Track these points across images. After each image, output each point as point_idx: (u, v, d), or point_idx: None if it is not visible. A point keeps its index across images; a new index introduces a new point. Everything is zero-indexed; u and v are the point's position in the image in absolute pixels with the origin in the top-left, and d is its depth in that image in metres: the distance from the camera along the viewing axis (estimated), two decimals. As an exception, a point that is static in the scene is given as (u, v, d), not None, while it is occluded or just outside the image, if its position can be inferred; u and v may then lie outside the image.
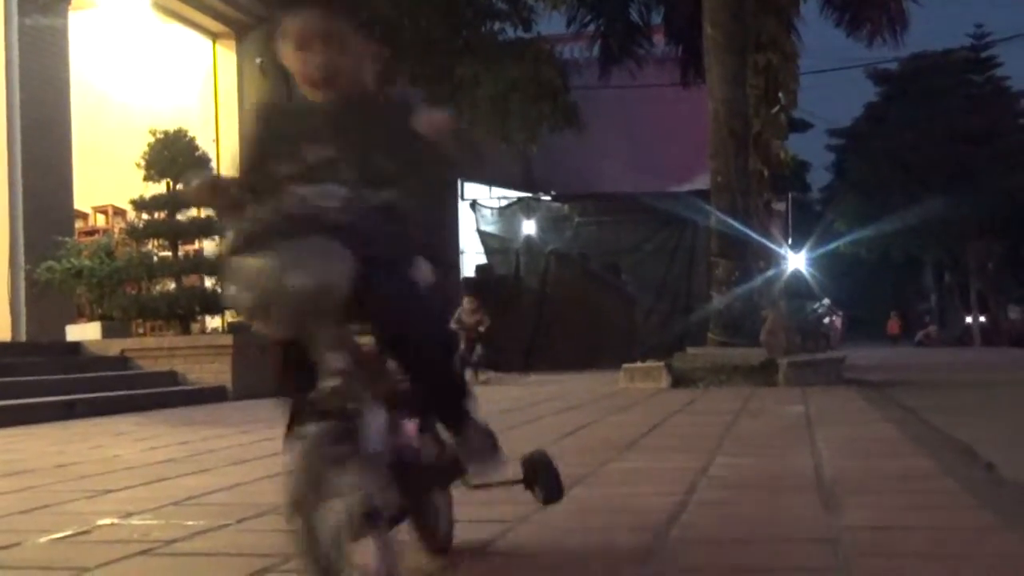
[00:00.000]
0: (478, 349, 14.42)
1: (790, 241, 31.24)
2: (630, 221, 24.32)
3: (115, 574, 2.68)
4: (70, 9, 13.40)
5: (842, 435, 5.72)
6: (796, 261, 33.90)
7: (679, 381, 10.94)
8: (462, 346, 13.65)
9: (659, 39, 20.50)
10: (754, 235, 12.99)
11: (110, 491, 4.21)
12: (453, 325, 13.30)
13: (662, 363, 11.32)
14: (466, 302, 14.62)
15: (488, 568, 2.70)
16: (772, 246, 16.08)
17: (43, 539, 3.16)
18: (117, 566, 2.76)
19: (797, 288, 30.63)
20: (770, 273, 14.69)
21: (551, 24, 19.18)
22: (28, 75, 12.35)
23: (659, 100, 24.60)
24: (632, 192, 24.53)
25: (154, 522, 3.46)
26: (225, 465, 5.08)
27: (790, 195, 31.69)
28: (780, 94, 16.93)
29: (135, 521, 3.48)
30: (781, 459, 4.72)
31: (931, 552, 2.72)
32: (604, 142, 23.59)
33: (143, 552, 2.92)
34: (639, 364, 11.57)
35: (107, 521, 3.46)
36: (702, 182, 21.72)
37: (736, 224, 12.35)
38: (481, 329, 14.51)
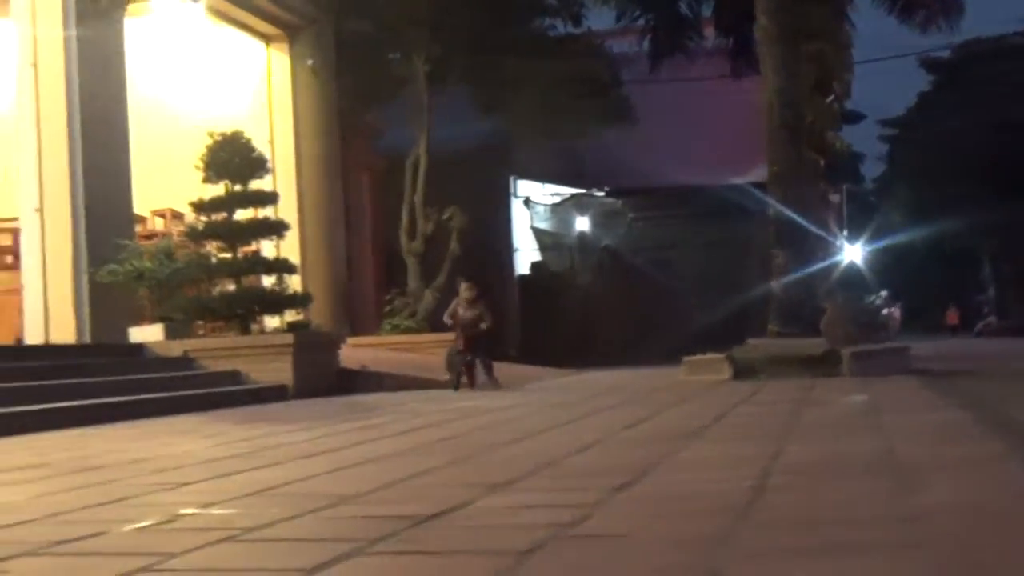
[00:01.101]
0: (480, 353, 11.75)
1: (845, 233, 31.02)
2: (684, 215, 24.25)
3: (202, 559, 2.71)
4: (125, 16, 13.56)
5: (911, 421, 5.68)
6: (851, 252, 33.63)
7: (740, 373, 10.90)
8: (459, 345, 11.67)
9: (709, 32, 20.39)
10: (811, 225, 12.92)
11: (186, 484, 4.27)
12: (447, 319, 11.90)
13: (723, 355, 11.28)
14: (463, 289, 11.89)
15: (574, 549, 2.71)
16: (829, 237, 15.98)
17: (127, 528, 3.20)
18: (203, 552, 2.79)
19: (853, 279, 30.40)
20: (827, 263, 14.59)
21: (601, 19, 19.15)
22: (86, 82, 12.51)
23: (710, 93, 24.47)
24: (685, 185, 24.45)
25: (233, 512, 3.50)
26: (294, 459, 5.12)
27: (844, 187, 31.47)
28: (834, 84, 16.82)
29: (215, 511, 3.52)
30: (852, 444, 4.69)
31: (1008, 529, 2.69)
32: (656, 136, 23.48)
33: (227, 539, 2.95)
34: (699, 356, 11.54)
35: (188, 511, 3.51)
36: (755, 174, 21.63)
37: (793, 214, 12.28)
38: (484, 326, 11.67)
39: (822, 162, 16.08)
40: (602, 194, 25.65)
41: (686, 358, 11.64)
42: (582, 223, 24.61)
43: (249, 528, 3.11)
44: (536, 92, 17.48)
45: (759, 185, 18.89)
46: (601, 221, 24.74)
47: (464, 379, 11.59)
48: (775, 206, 12.47)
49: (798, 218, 12.37)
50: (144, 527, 3.21)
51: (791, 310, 12.34)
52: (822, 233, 14.45)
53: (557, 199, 25.43)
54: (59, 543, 2.98)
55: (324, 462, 4.94)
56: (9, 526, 3.30)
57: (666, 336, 19.92)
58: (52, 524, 3.35)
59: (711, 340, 13.82)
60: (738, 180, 23.80)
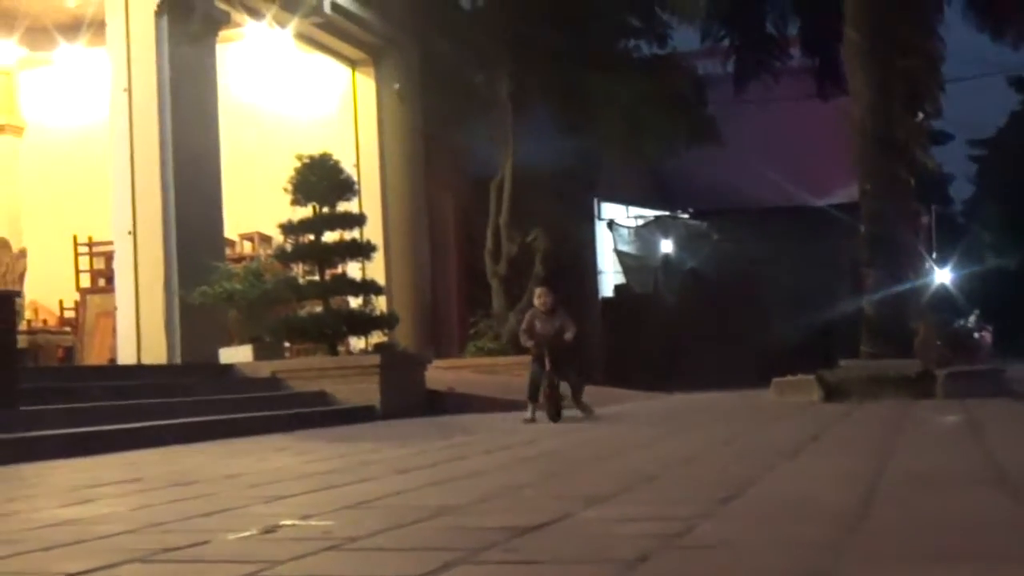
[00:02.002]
0: (569, 373, 9.37)
1: (934, 254, 30.50)
2: (770, 236, 23.99)
3: (306, 567, 2.70)
4: (217, 42, 13.77)
5: (1015, 437, 5.53)
6: (941, 274, 33.06)
7: (831, 394, 10.72)
8: (545, 364, 9.19)
9: (795, 51, 20.21)
10: (902, 245, 12.70)
11: (283, 497, 4.27)
12: (523, 337, 9.55)
13: (813, 376, 11.11)
14: (537, 297, 9.71)
15: (683, 557, 2.65)
16: (919, 257, 15.70)
17: (230, 537, 3.20)
18: (307, 560, 2.78)
19: (943, 301, 29.86)
20: (919, 283, 14.32)
21: (686, 40, 19.09)
22: (179, 107, 12.70)
23: (796, 113, 24.25)
24: (771, 206, 24.22)
25: (333, 523, 3.49)
26: (388, 475, 5.11)
27: (933, 208, 30.96)
28: (924, 102, 16.54)
29: (315, 522, 3.51)
30: (958, 459, 4.57)
31: None
32: (742, 157, 23.30)
33: (329, 548, 2.94)
34: (789, 377, 11.38)
35: (288, 522, 3.50)
36: (842, 195, 21.35)
37: (885, 234, 12.07)
38: (568, 336, 9.34)
39: (912, 181, 15.79)
40: (687, 216, 25.51)
41: (776, 379, 11.48)
42: (667, 245, 24.49)
43: (352, 538, 3.09)
44: (621, 113, 17.42)
45: (846, 205, 18.63)
46: (686, 243, 24.59)
47: (542, 408, 9.21)
48: (867, 224, 12.27)
49: (890, 237, 12.17)
50: (247, 537, 3.21)
51: (882, 330, 12.12)
52: (913, 253, 14.17)
53: (641, 221, 25.33)
54: (166, 551, 2.99)
55: (420, 476, 4.92)
56: (115, 535, 3.32)
57: (753, 358, 19.70)
58: (156, 533, 3.36)
59: (799, 361, 13.64)
60: (825, 200, 23.52)
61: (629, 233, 25.07)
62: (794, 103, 23.04)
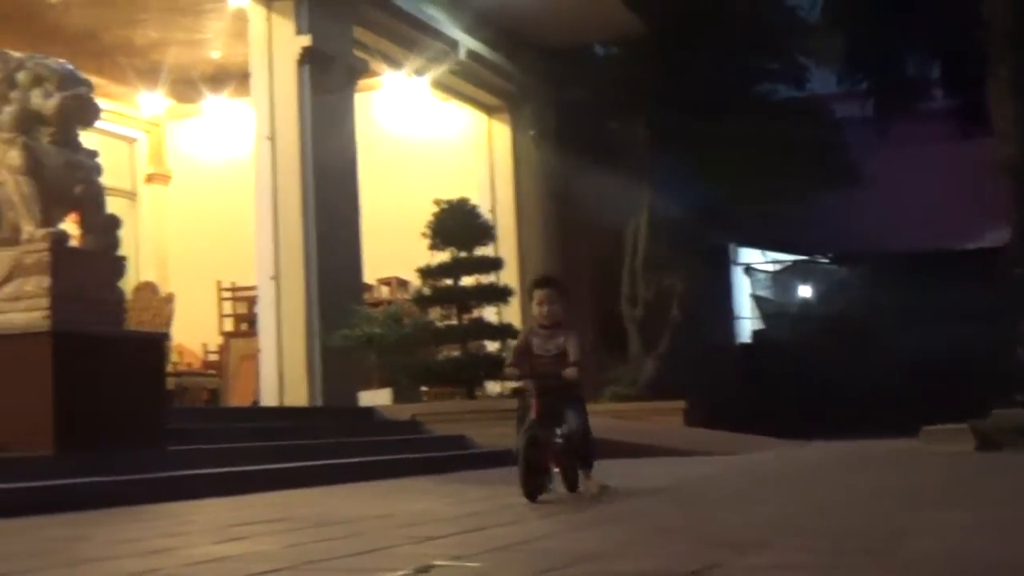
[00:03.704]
0: (569, 422, 5.94)
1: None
2: (909, 281, 23.39)
3: (464, 607, 2.66)
4: (357, 90, 14.03)
5: None
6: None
7: (985, 443, 10.35)
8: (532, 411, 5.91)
9: (937, 92, 19.79)
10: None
11: (433, 538, 4.25)
12: (508, 366, 6.52)
13: (965, 425, 10.74)
14: (537, 301, 6.25)
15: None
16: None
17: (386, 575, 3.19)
18: (464, 600, 2.74)
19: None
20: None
21: (825, 83, 18.84)
22: (320, 154, 12.95)
23: (939, 155, 23.70)
24: (914, 251, 23.64)
25: (483, 565, 3.46)
26: (532, 518, 5.07)
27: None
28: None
29: (468, 563, 3.48)
30: None
31: None
32: (882, 201, 22.82)
33: (485, 589, 2.90)
34: (939, 426, 11.03)
35: (441, 562, 3.48)
36: (985, 239, 20.73)
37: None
38: (568, 372, 5.98)
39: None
40: (825, 261, 25.06)
41: (925, 428, 11.14)
42: (805, 290, 24.09)
43: (506, 579, 3.05)
44: (758, 157, 17.25)
45: (988, 250, 18.08)
46: (825, 288, 24.14)
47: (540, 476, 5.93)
48: (1020, 270, 11.88)
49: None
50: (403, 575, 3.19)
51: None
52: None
53: (779, 266, 24.98)
54: (321, 588, 2.98)
55: (564, 521, 4.87)
56: (271, 572, 3.33)
57: (897, 406, 19.16)
58: (311, 571, 3.36)
59: (947, 410, 13.23)
60: (966, 244, 22.90)
61: (766, 278, 24.72)
62: (934, 145, 22.54)
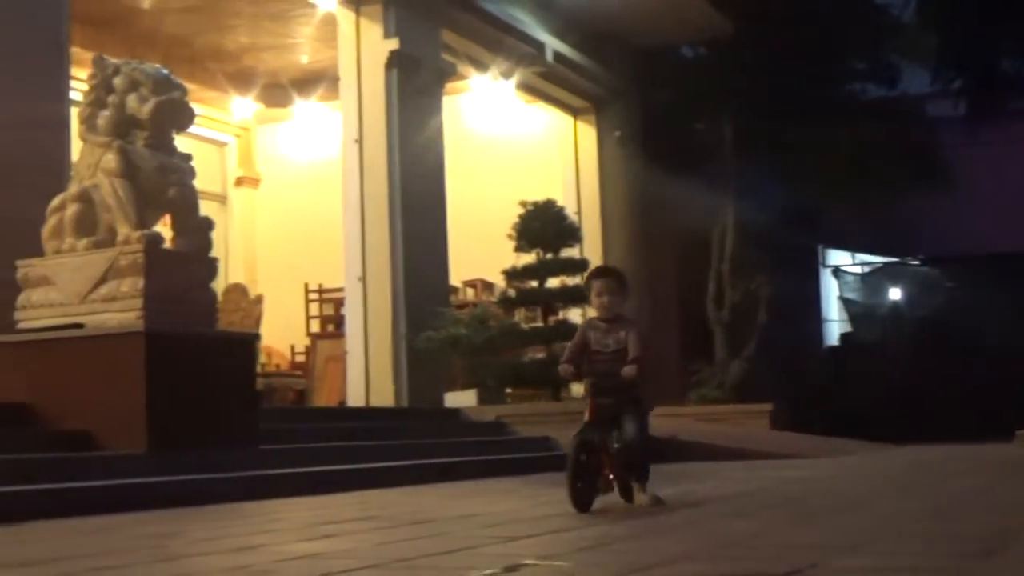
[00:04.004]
0: (625, 429, 5.39)
1: None
2: (1002, 283, 22.92)
3: (553, 607, 2.66)
4: (444, 93, 14.10)
5: None
6: None
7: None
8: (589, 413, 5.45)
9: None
10: None
11: (518, 538, 4.25)
12: (563, 364, 5.62)
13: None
14: (596, 291, 5.70)
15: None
16: None
17: (474, 575, 3.20)
18: (553, 600, 2.74)
19: None
20: None
21: (916, 81, 18.53)
22: (407, 157, 13.03)
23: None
24: (1009, 253, 23.15)
25: (572, 564, 3.45)
26: (620, 519, 5.04)
27: None
28: None
29: (555, 562, 3.48)
30: None
31: None
32: (976, 201, 22.41)
33: (574, 589, 2.89)
34: (1034, 430, 10.80)
35: (529, 561, 3.48)
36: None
37: None
38: (626, 371, 5.42)
39: None
40: (916, 263, 24.65)
41: (1019, 431, 10.91)
42: (895, 293, 23.74)
43: (594, 579, 3.04)
44: (846, 158, 17.01)
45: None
46: (916, 291, 23.76)
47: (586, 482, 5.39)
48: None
49: None
50: (491, 575, 3.19)
51: None
52: None
53: (868, 268, 24.63)
54: (410, 585, 3.00)
55: (652, 522, 4.84)
56: (361, 569, 3.36)
57: (988, 409, 18.79)
58: (401, 570, 3.38)
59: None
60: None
61: (855, 280, 24.39)
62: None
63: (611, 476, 5.46)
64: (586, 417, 5.44)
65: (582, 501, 5.28)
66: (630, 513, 5.21)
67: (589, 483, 5.35)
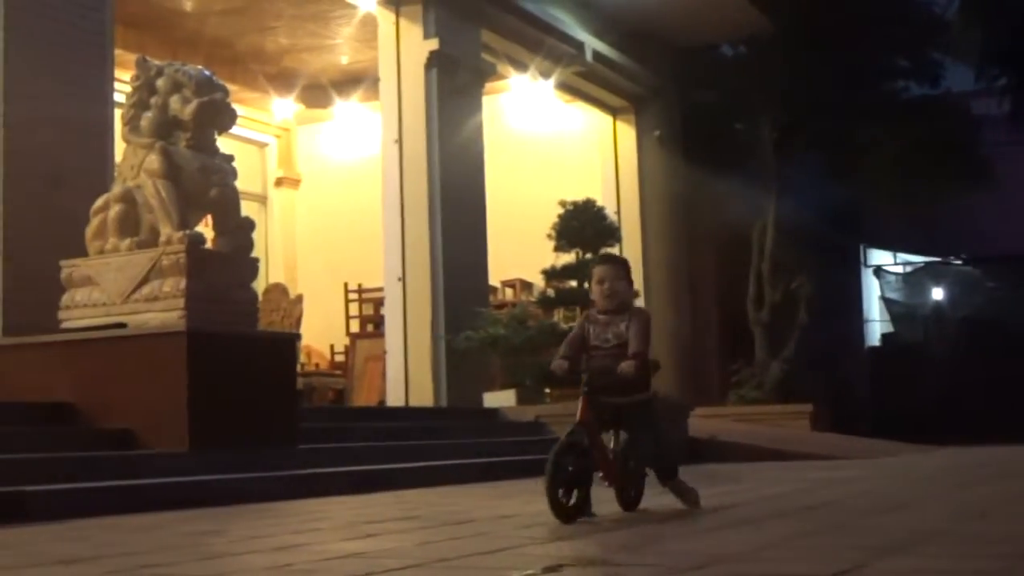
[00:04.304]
0: (637, 438, 5.14)
1: None
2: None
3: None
4: (484, 93, 14.11)
5: None
6: None
7: None
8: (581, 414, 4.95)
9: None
10: None
11: (559, 539, 4.25)
12: (558, 361, 5.23)
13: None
14: (597, 278, 5.28)
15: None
16: None
17: (515, 574, 3.20)
18: (595, 601, 2.73)
19: None
20: None
21: (960, 80, 18.38)
22: (447, 157, 13.04)
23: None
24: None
25: (616, 566, 3.44)
26: (666, 520, 5.02)
27: None
28: None
29: (596, 567, 3.47)
30: None
31: None
32: (1018, 201, 22.20)
33: (616, 590, 2.89)
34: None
35: (569, 564, 3.47)
36: None
37: None
38: (624, 367, 4.92)
39: None
40: (959, 262, 24.45)
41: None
42: (937, 293, 23.56)
43: (636, 580, 3.04)
44: (889, 157, 16.89)
45: None
46: (958, 291, 23.57)
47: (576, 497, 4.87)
48: None
49: None
50: (531, 575, 3.19)
51: None
52: None
53: (910, 268, 24.46)
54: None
55: (695, 523, 4.82)
56: (403, 568, 3.37)
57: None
58: (443, 569, 3.39)
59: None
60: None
61: (897, 280, 24.22)
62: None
63: (607, 484, 5.01)
64: (577, 417, 4.89)
65: (566, 512, 4.71)
66: (672, 514, 5.19)
67: (572, 490, 4.78)
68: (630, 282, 5.29)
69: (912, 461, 11.66)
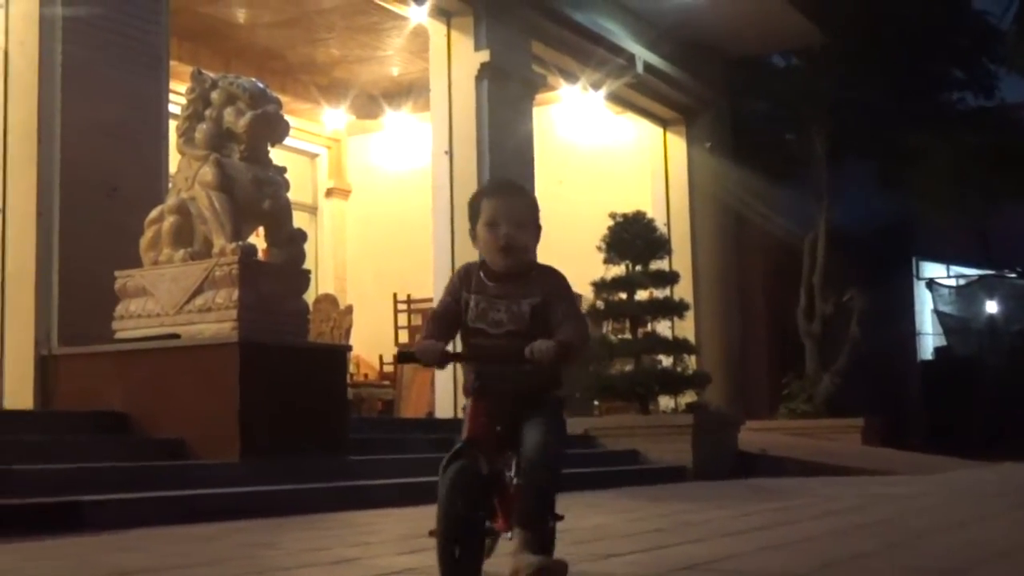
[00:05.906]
0: (527, 442, 3.30)
1: None
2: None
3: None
4: (535, 105, 14.10)
5: None
6: None
7: None
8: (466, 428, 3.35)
9: None
10: None
11: (613, 555, 4.21)
12: (431, 344, 3.40)
13: None
14: (487, 218, 3.48)
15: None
16: None
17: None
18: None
19: None
20: None
21: (1016, 90, 18.17)
22: (497, 168, 12.99)
23: None
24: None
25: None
26: (715, 536, 4.98)
27: None
28: None
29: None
30: None
31: None
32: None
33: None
34: None
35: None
36: None
37: None
38: (531, 354, 3.22)
39: None
40: (1014, 275, 24.14)
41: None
42: (992, 306, 23.27)
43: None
44: (942, 168, 16.71)
45: None
46: (1013, 305, 23.27)
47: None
48: None
49: None
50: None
51: None
52: None
53: (964, 281, 24.18)
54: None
55: (750, 540, 4.77)
56: None
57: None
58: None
59: None
60: None
61: (950, 293, 23.95)
62: None
63: (505, 531, 3.27)
64: (463, 433, 3.32)
65: (459, 570, 3.07)
66: (731, 532, 5.14)
67: (471, 540, 3.14)
68: (538, 228, 3.56)
69: (967, 477, 11.50)
